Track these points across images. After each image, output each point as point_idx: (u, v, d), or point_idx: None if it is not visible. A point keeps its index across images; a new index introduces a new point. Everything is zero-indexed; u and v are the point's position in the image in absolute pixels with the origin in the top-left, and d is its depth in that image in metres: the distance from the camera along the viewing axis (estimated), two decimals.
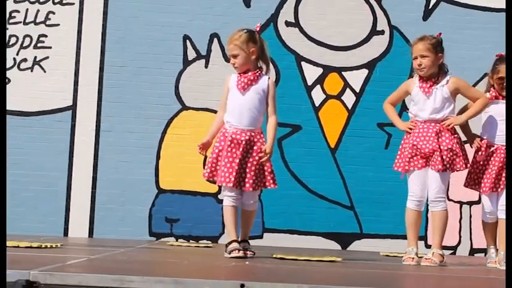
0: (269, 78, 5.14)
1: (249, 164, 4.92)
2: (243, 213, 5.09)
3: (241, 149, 4.90)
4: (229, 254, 4.82)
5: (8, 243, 4.70)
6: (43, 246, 4.77)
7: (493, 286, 3.76)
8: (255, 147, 4.96)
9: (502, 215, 5.21)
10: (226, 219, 5.02)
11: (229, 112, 5.03)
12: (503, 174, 5.24)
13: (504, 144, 5.26)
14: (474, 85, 7.53)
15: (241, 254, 4.78)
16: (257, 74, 5.06)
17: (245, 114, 4.98)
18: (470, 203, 7.47)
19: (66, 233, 7.16)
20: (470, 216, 7.47)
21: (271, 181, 5.01)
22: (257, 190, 5.04)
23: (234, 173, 4.87)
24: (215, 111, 7.25)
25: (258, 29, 5.18)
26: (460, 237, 7.45)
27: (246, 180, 4.91)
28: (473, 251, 7.43)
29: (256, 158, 4.93)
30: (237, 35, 5.06)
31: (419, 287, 3.60)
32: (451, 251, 7.37)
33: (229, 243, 4.91)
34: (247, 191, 4.96)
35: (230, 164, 4.88)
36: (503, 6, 7.64)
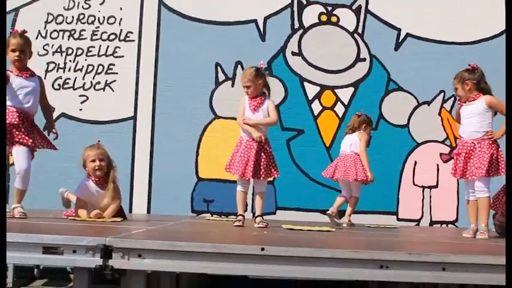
0: (269, 100, 5.22)
1: (261, 162, 5.00)
2: (257, 195, 5.16)
3: (254, 152, 4.95)
4: (234, 223, 4.98)
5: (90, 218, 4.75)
6: (114, 221, 4.80)
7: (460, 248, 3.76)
8: (264, 150, 5.03)
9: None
10: (238, 200, 5.14)
11: None
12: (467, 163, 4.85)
13: (465, 137, 4.95)
14: (433, 99, 7.53)
15: (241, 223, 4.94)
16: (263, 98, 5.12)
17: (258, 127, 5.08)
18: (431, 187, 7.46)
19: (130, 210, 7.21)
20: (430, 197, 7.45)
21: (275, 172, 5.12)
22: (267, 179, 5.14)
23: (246, 169, 4.97)
24: None
25: (261, 65, 5.22)
26: (422, 212, 7.42)
27: (261, 172, 4.98)
28: (432, 223, 7.42)
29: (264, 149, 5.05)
30: (249, 72, 5.10)
31: (395, 246, 3.60)
32: (416, 223, 7.35)
33: (237, 215, 5.07)
34: (260, 180, 5.03)
35: (245, 162, 4.98)
36: (455, 40, 7.62)
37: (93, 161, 4.90)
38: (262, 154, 5.03)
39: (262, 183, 5.13)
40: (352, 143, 6.27)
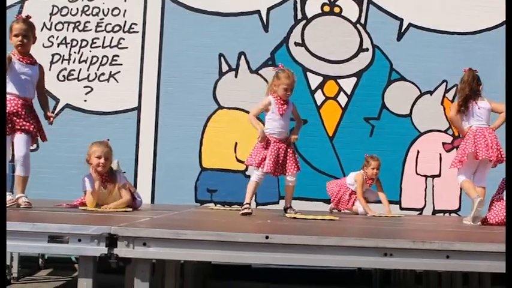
0: (293, 103, 5.33)
1: (288, 157, 5.12)
2: (288, 188, 5.29)
3: (281, 149, 5.08)
4: (242, 210, 4.96)
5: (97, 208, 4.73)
6: (119, 210, 4.77)
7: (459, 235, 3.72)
8: (288, 149, 5.16)
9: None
10: (249, 189, 5.18)
11: (273, 128, 5.17)
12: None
13: None
14: (435, 89, 7.49)
15: (250, 211, 4.97)
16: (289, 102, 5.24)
17: (284, 129, 5.18)
18: (433, 176, 7.43)
19: None
20: (433, 186, 7.42)
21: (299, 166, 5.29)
22: (296, 172, 5.21)
23: (276, 168, 5.09)
24: (243, 110, 7.32)
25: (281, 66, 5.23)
26: (425, 201, 7.40)
27: (289, 167, 5.09)
28: (435, 212, 7.39)
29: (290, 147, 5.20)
30: (293, 75, 5.13)
31: (399, 234, 3.57)
32: (419, 212, 7.32)
33: (245, 204, 5.07)
34: (291, 173, 5.12)
35: (271, 158, 5.04)
36: (457, 30, 7.58)
37: (99, 157, 4.85)
38: (289, 151, 5.17)
39: (295, 176, 5.23)
40: (351, 177, 6.44)
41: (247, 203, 5.05)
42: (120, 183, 4.93)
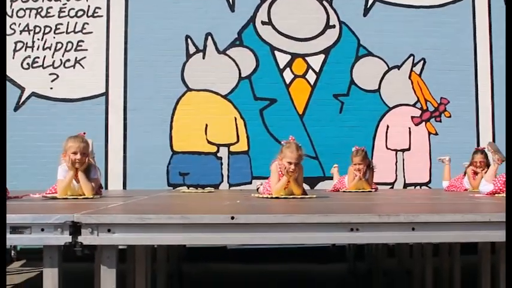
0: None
1: None
2: None
3: None
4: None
5: (68, 196, 4.63)
6: (90, 197, 4.68)
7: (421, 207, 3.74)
8: None
9: None
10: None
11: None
12: None
13: None
14: (403, 63, 7.51)
15: None
16: None
17: None
18: (403, 150, 7.48)
19: (106, 187, 7.11)
20: (403, 160, 7.47)
21: None
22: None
23: None
24: (211, 91, 7.29)
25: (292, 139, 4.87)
26: (396, 175, 7.44)
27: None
28: (406, 185, 7.44)
29: None
30: (302, 150, 4.76)
31: (367, 209, 3.57)
32: (390, 186, 7.37)
33: None
34: None
35: None
36: (423, 3, 7.59)
37: (74, 153, 4.67)
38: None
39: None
40: None
41: None
42: (93, 178, 4.78)
